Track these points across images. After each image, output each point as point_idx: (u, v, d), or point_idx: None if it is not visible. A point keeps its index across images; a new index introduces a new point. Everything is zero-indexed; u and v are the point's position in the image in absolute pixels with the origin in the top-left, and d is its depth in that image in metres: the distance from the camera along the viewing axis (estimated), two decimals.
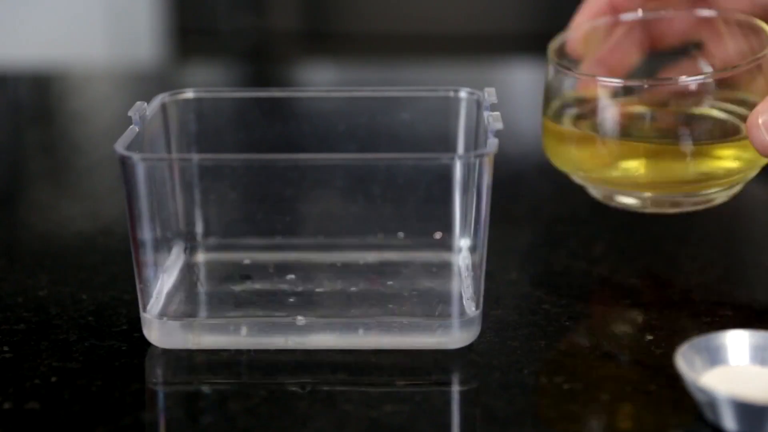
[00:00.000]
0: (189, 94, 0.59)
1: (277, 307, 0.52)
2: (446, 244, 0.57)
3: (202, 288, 0.55)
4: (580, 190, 0.61)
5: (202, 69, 1.44)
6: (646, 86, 0.57)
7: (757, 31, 0.55)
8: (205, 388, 0.49)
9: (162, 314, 0.52)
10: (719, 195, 0.56)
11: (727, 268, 0.62)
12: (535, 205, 0.73)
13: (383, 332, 0.51)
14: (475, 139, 0.57)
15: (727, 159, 0.54)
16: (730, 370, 0.47)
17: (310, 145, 0.60)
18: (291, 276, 0.54)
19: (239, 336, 0.51)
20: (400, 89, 0.60)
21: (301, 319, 0.51)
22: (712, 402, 0.44)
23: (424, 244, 0.58)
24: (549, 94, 0.56)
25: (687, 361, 0.46)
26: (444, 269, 0.55)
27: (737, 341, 0.47)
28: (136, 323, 0.53)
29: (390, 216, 0.60)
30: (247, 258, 0.57)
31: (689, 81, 0.54)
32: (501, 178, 0.52)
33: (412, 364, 0.50)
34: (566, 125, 0.56)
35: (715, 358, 0.47)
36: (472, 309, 0.52)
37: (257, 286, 0.54)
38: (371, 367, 0.50)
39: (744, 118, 0.52)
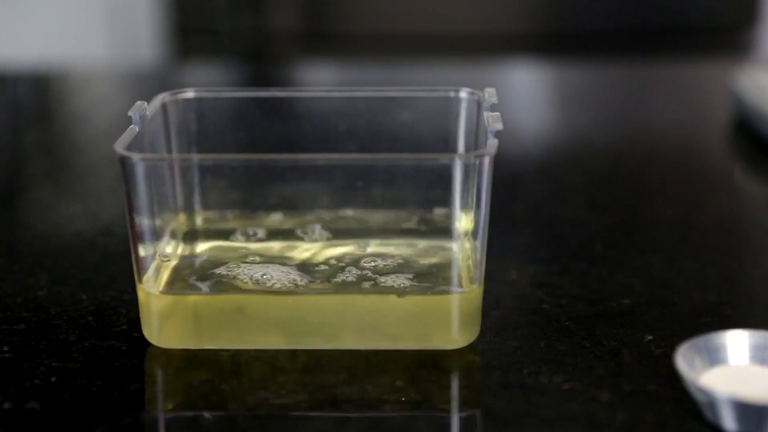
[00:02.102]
0: (189, 93, 0.59)
1: (276, 307, 0.52)
2: (446, 244, 0.57)
3: (202, 288, 0.55)
4: (580, 190, 0.61)
5: (202, 69, 1.44)
6: None
7: None
8: (205, 389, 0.49)
9: (161, 313, 0.52)
10: None
11: (727, 268, 0.62)
12: (535, 205, 0.73)
13: (383, 332, 0.51)
14: (475, 139, 0.57)
15: None
16: (729, 369, 0.47)
17: (310, 145, 0.60)
18: (291, 276, 0.54)
19: (239, 336, 0.51)
20: (400, 89, 0.60)
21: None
22: (712, 402, 0.44)
23: (424, 243, 0.58)
24: None
25: (687, 361, 0.46)
26: (444, 269, 0.55)
27: (737, 341, 0.47)
28: (136, 323, 0.53)
29: (390, 216, 0.60)
30: (246, 258, 0.57)
31: None
32: (501, 178, 0.52)
33: (412, 364, 0.50)
34: None
35: (714, 358, 0.47)
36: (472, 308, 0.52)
37: (257, 285, 0.54)
38: (371, 367, 0.50)
39: None
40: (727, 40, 1.73)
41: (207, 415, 0.47)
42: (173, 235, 0.57)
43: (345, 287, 0.52)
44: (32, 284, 0.59)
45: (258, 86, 0.62)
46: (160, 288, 0.53)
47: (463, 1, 1.92)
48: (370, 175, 0.59)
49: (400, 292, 0.52)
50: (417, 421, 0.47)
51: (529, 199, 0.74)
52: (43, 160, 0.87)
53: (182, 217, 0.59)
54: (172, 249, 0.56)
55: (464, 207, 0.54)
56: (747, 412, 0.43)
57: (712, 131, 0.92)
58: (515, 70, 1.22)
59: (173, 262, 0.56)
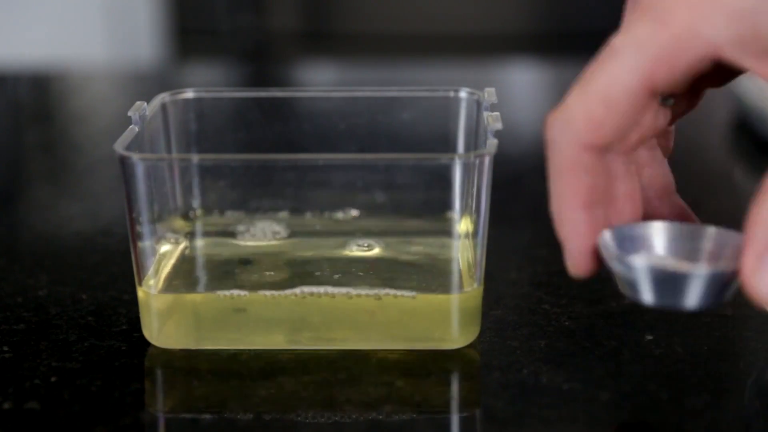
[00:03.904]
0: (189, 94, 0.59)
1: (276, 307, 0.52)
2: (446, 244, 0.57)
3: (202, 288, 0.55)
4: None
5: (202, 69, 1.44)
6: None
7: None
8: (205, 388, 0.49)
9: (161, 313, 0.52)
10: None
11: None
12: (535, 205, 0.73)
13: (383, 332, 0.51)
14: (475, 139, 0.57)
15: None
16: (650, 257, 0.46)
17: (310, 145, 0.60)
18: (290, 277, 0.54)
19: (239, 336, 0.51)
20: (400, 89, 0.60)
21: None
22: (632, 274, 0.43)
23: (424, 243, 0.58)
24: None
25: (607, 246, 0.45)
26: (444, 269, 0.55)
27: (658, 232, 0.46)
28: (135, 323, 0.53)
29: (390, 216, 0.60)
30: (246, 258, 0.57)
31: None
32: (501, 178, 0.52)
33: (412, 364, 0.50)
34: None
35: (635, 246, 0.46)
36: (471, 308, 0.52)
37: (257, 285, 0.54)
38: (371, 367, 0.50)
39: None
40: None
41: (207, 415, 0.47)
42: (173, 235, 0.57)
43: (345, 287, 0.52)
44: (32, 284, 0.59)
45: (258, 86, 0.62)
46: (160, 288, 0.53)
47: (463, 1, 1.92)
48: (370, 175, 0.59)
49: (400, 292, 0.52)
50: (417, 421, 0.47)
51: (529, 199, 0.74)
52: (43, 160, 0.87)
53: (182, 217, 0.59)
54: (171, 249, 0.57)
55: (464, 207, 0.54)
56: (665, 281, 0.43)
57: (712, 131, 0.92)
58: (515, 70, 1.22)
59: (173, 262, 0.56)
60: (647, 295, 0.43)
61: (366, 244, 0.58)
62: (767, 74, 0.41)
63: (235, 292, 0.52)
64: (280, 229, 0.59)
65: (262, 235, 0.59)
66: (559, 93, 1.13)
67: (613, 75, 0.42)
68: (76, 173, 0.82)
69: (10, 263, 0.64)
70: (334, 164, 0.56)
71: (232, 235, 0.59)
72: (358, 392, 0.49)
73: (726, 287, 0.43)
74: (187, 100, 0.59)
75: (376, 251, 0.57)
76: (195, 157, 0.60)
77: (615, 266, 0.44)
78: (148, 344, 0.52)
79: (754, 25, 0.40)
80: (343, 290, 0.52)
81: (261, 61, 1.83)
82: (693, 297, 0.43)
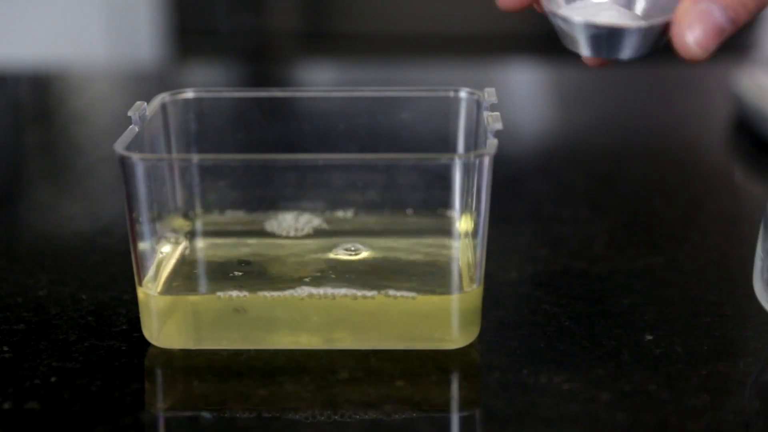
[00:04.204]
0: (189, 94, 0.59)
1: (276, 307, 0.52)
2: (446, 244, 0.57)
3: (202, 288, 0.55)
4: (580, 190, 0.60)
5: (202, 69, 1.44)
6: None
7: None
8: (205, 388, 0.49)
9: (161, 314, 0.52)
10: None
11: (727, 268, 0.62)
12: (535, 205, 0.73)
13: (383, 332, 0.51)
14: (475, 139, 0.57)
15: None
16: (588, 7, 0.47)
17: (310, 145, 0.60)
18: (290, 277, 0.54)
19: (239, 336, 0.51)
20: (400, 89, 0.60)
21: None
22: (570, 28, 0.45)
23: (424, 244, 0.58)
24: None
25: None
26: (444, 269, 0.55)
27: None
28: (135, 323, 0.53)
29: (389, 216, 0.60)
30: (246, 258, 0.57)
31: None
32: (501, 178, 0.52)
33: (412, 364, 0.51)
34: None
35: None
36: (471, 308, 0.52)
37: (257, 285, 0.54)
38: (371, 367, 0.50)
39: None
40: (727, 39, 1.73)
41: (207, 415, 0.47)
42: (173, 235, 0.58)
43: (344, 287, 0.52)
44: (32, 284, 0.59)
45: (258, 86, 0.62)
46: (160, 288, 0.53)
47: (463, 1, 1.92)
48: (370, 175, 0.59)
49: (400, 292, 0.52)
50: (417, 421, 0.47)
51: (529, 199, 0.74)
52: (43, 160, 0.87)
53: (182, 217, 0.59)
54: (171, 249, 0.57)
55: (464, 207, 0.54)
56: (600, 36, 0.44)
57: (712, 131, 0.92)
58: (515, 70, 1.22)
59: (173, 262, 0.56)
60: (585, 50, 0.45)
61: (366, 245, 0.58)
62: None
63: (235, 293, 0.52)
64: (304, 226, 0.59)
65: (294, 229, 0.59)
66: (559, 93, 1.13)
67: None
68: (76, 173, 0.82)
69: (10, 263, 0.64)
70: (334, 164, 0.56)
71: (241, 234, 0.59)
72: (358, 392, 0.49)
73: (659, 38, 0.45)
74: (187, 100, 0.59)
75: (375, 251, 0.57)
76: (195, 157, 0.60)
77: (556, 22, 0.46)
78: (148, 344, 0.52)
79: None
80: (344, 291, 0.52)
81: (261, 61, 1.83)
82: (627, 49, 0.45)
